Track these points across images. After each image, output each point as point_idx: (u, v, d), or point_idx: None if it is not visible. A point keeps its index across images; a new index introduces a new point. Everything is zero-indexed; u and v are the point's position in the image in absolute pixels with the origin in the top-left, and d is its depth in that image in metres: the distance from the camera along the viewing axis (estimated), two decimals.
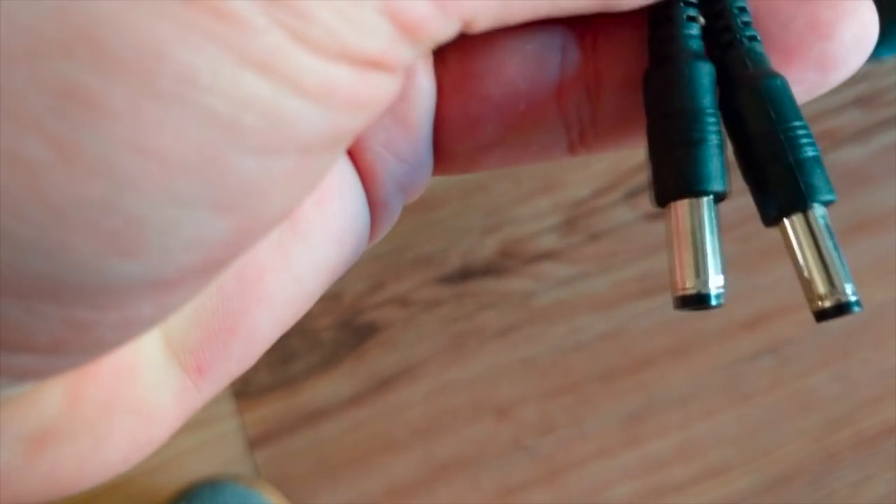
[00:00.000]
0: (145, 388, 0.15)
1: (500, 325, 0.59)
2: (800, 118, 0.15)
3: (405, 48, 0.12)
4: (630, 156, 0.64)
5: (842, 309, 0.15)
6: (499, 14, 0.13)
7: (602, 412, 0.57)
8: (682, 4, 0.16)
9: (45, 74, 0.10)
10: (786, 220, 0.15)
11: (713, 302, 0.15)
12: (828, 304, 0.15)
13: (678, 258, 0.15)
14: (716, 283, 0.15)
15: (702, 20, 0.16)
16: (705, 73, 0.16)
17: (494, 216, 0.62)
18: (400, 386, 0.58)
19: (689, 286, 0.15)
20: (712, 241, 0.15)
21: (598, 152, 0.18)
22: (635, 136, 0.17)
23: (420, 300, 0.59)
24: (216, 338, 0.16)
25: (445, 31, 0.12)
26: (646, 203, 0.59)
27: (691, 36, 0.16)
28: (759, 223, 0.16)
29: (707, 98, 0.16)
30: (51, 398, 0.14)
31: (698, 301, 0.15)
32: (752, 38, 0.16)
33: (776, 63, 0.16)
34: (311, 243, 0.16)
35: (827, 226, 0.15)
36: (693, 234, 0.15)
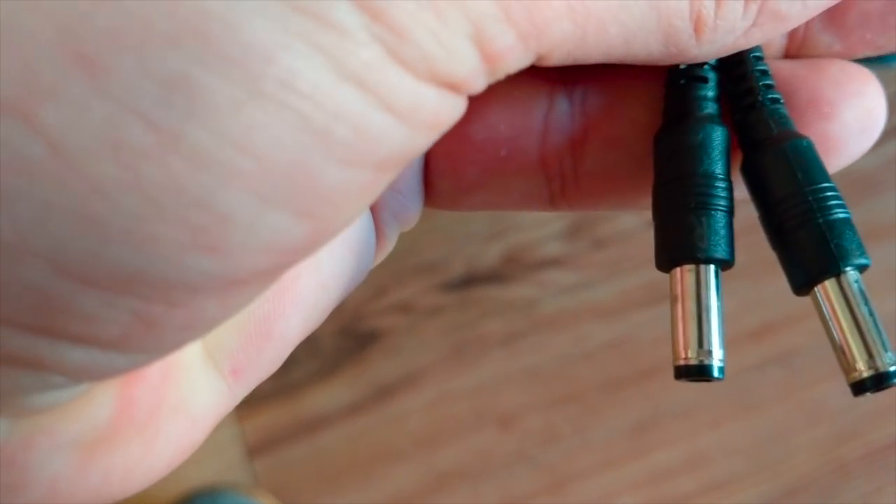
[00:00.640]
0: (187, 392, 0.15)
1: (504, 332, 0.59)
2: (828, 179, 0.15)
3: (484, 76, 0.12)
4: None
5: (882, 380, 0.14)
6: (573, 52, 0.13)
7: (607, 422, 0.57)
8: (698, 65, 0.16)
9: (154, 63, 0.10)
10: (817, 288, 0.14)
11: (715, 374, 0.14)
12: (866, 374, 0.14)
13: (680, 326, 0.14)
14: (717, 355, 0.14)
15: (717, 81, 0.16)
16: (719, 136, 0.15)
17: (498, 222, 0.61)
18: (401, 394, 0.57)
19: (691, 356, 0.14)
20: (717, 311, 0.14)
21: (581, 209, 0.18)
22: (620, 197, 0.17)
23: (422, 307, 0.59)
24: (252, 341, 0.16)
25: (521, 63, 0.12)
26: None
27: (707, 98, 0.15)
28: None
29: (719, 163, 0.15)
30: (101, 404, 0.14)
31: (699, 372, 0.14)
32: (776, 101, 0.15)
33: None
34: (335, 252, 0.17)
35: (861, 291, 0.14)
36: (696, 302, 0.14)
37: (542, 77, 0.17)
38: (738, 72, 0.16)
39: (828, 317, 0.14)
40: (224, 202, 0.11)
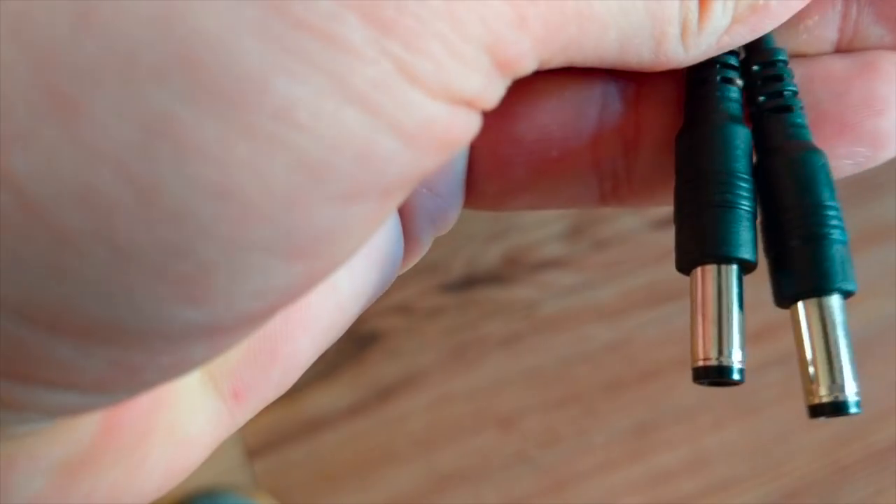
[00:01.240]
0: (182, 415, 0.15)
1: (505, 334, 0.58)
2: (833, 199, 0.14)
3: (498, 86, 0.11)
4: None
5: (839, 408, 0.14)
6: (572, 58, 0.13)
7: (608, 424, 0.57)
8: (719, 66, 0.15)
9: (135, 104, 0.09)
10: (800, 304, 0.14)
11: (735, 376, 0.14)
12: (826, 400, 0.14)
13: (700, 328, 0.14)
14: (737, 357, 0.14)
15: (739, 82, 0.16)
16: (741, 136, 0.15)
17: (499, 223, 0.61)
18: (401, 395, 0.57)
19: (711, 358, 0.14)
20: (738, 312, 0.14)
21: (632, 207, 0.17)
22: (671, 195, 0.17)
23: (423, 308, 0.59)
24: (256, 363, 0.15)
25: (526, 71, 0.12)
26: (653, 211, 0.59)
27: (729, 98, 0.15)
28: None
29: (741, 162, 0.15)
30: (85, 427, 0.13)
31: (719, 374, 0.14)
32: (795, 108, 0.15)
33: (826, 134, 0.15)
34: (355, 271, 0.16)
35: (843, 317, 0.14)
36: (717, 302, 0.14)
37: (593, 75, 0.16)
38: (759, 75, 0.16)
39: (803, 335, 0.14)
40: (205, 252, 0.10)
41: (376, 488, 0.55)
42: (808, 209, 0.14)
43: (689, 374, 0.14)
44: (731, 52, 0.15)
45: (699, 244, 0.14)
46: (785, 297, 0.15)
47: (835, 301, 0.14)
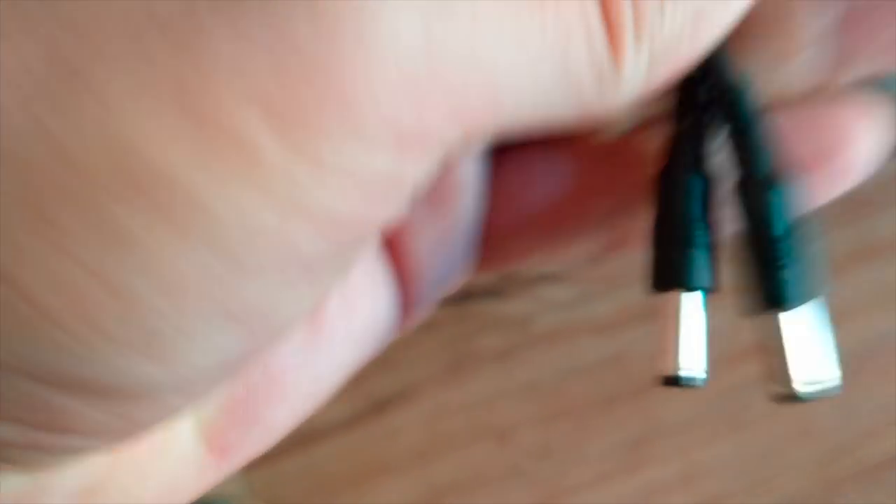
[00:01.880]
0: (174, 463, 0.16)
1: (500, 347, 0.59)
2: (788, 228, 0.17)
3: (416, 167, 0.13)
4: None
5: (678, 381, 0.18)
6: (497, 136, 0.14)
7: (602, 437, 0.57)
8: (691, 113, 0.18)
9: (101, 219, 0.11)
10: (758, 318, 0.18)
11: (690, 383, 0.18)
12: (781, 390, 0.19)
13: (664, 342, 0.19)
14: (696, 367, 0.19)
15: (700, 121, 0.18)
16: (698, 186, 0.18)
17: None
18: (396, 408, 0.57)
19: (670, 368, 0.18)
20: (697, 330, 0.18)
21: (634, 252, 0.19)
22: None
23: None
24: (240, 425, 0.17)
25: (450, 146, 0.13)
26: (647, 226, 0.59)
27: (695, 144, 0.18)
28: None
29: (698, 209, 0.18)
30: (94, 462, 0.15)
31: (675, 382, 0.19)
32: (764, 141, 0.17)
33: (794, 167, 0.17)
34: (333, 344, 0.18)
35: (792, 330, 0.18)
36: (679, 323, 0.18)
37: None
38: (733, 109, 0.17)
39: (763, 338, 0.19)
40: (153, 323, 0.11)
41: (372, 499, 0.55)
42: (766, 238, 0.17)
43: (683, 389, 0.17)
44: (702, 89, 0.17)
45: (667, 275, 0.19)
46: (748, 309, 0.19)
47: (783, 318, 0.18)
